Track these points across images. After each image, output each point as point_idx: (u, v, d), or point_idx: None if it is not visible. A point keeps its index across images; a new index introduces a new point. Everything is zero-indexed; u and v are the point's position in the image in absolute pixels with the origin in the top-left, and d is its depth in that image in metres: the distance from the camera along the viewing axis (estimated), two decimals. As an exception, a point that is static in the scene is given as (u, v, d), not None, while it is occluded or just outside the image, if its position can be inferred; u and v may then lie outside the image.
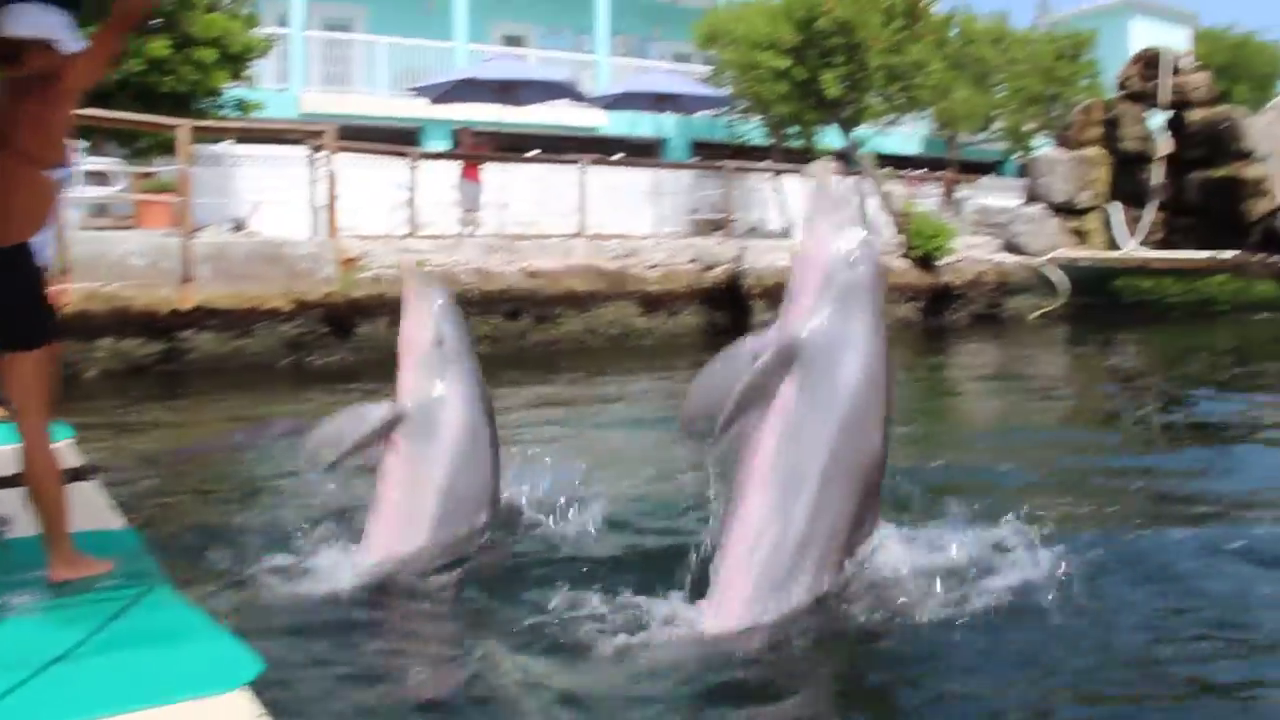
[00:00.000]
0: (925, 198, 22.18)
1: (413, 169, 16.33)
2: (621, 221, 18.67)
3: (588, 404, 10.52)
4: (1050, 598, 3.91)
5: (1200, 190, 21.04)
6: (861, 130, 20.58)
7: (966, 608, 3.84)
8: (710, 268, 16.15)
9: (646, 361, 13.46)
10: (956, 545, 4.23)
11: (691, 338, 15.57)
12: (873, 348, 3.99)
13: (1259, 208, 20.15)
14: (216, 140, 16.52)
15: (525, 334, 14.23)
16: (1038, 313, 18.80)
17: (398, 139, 21.85)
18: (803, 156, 23.31)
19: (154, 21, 13.67)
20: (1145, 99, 21.89)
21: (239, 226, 15.86)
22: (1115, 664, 3.69)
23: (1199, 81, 22.21)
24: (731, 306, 16.01)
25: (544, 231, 16.68)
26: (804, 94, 18.28)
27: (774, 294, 15.71)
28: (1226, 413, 9.48)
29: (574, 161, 18.11)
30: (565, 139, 25.71)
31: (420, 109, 22.56)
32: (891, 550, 4.08)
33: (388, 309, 12.65)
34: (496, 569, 4.65)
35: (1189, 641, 3.87)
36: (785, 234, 20.57)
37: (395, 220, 16.46)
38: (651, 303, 15.47)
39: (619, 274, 15.27)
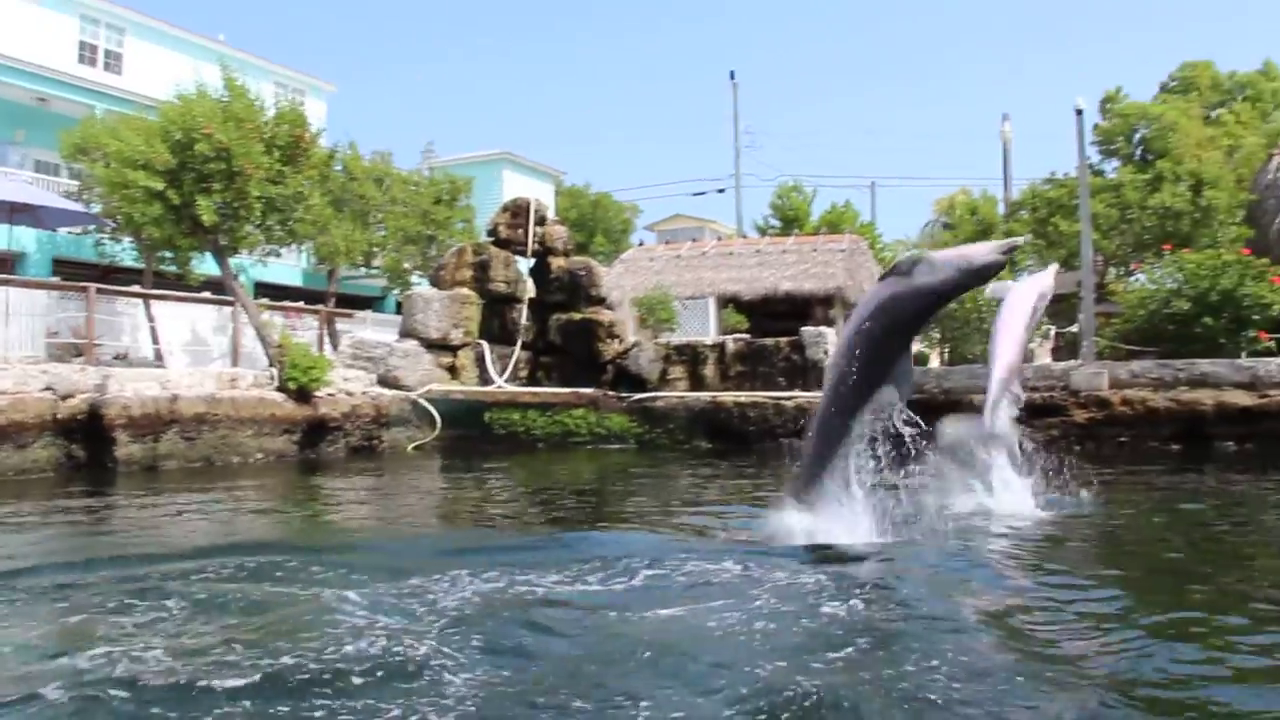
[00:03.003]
0: (304, 330, 22.14)
1: None
2: (-39, 343, 16.85)
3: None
4: None
5: (561, 332, 22.82)
6: (240, 259, 20.15)
7: None
8: (68, 396, 14.88)
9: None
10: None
11: (45, 473, 14.20)
12: None
13: (612, 349, 22.18)
14: None
15: None
16: (414, 444, 19.25)
17: None
18: (178, 282, 22.46)
19: None
20: (513, 245, 23.49)
21: None
22: None
23: (560, 233, 24.27)
24: (91, 439, 14.83)
25: None
26: (179, 218, 17.53)
27: (140, 425, 14.91)
28: (570, 509, 10.15)
29: (-98, 273, 16.17)
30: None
31: None
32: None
33: None
34: None
35: None
36: (157, 361, 19.58)
37: None
38: (-3, 433, 13.94)
39: (-44, 403, 13.66)
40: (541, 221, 23.90)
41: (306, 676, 4.24)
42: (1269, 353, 18.74)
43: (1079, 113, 20.01)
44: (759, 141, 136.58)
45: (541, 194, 37.71)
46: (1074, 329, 24.01)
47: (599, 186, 48.98)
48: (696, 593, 5.79)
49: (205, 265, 21.40)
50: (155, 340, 20.85)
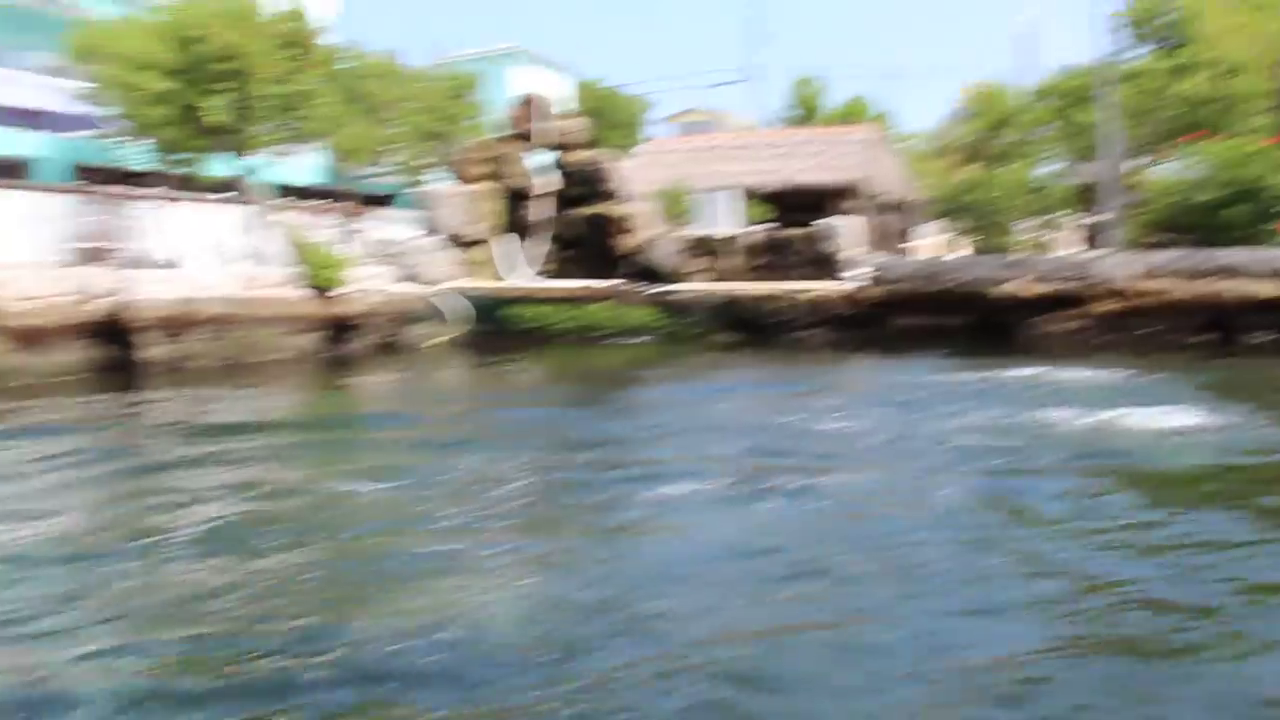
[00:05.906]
0: (323, 228, 22.04)
1: None
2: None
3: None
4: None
5: (579, 225, 22.71)
6: (254, 159, 19.98)
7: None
8: (91, 300, 14.94)
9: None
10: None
11: (73, 375, 14.31)
12: None
13: (628, 242, 22.07)
14: None
15: None
16: (434, 341, 19.30)
17: None
18: (194, 184, 22.31)
19: None
20: (527, 140, 23.26)
21: None
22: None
23: (575, 126, 24.00)
24: (115, 341, 14.93)
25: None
26: (188, 119, 17.34)
27: (163, 326, 14.98)
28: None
29: (-81, 179, 16.08)
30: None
31: None
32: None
33: None
34: None
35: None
36: (171, 264, 19.56)
37: None
38: (24, 338, 14.02)
39: (-17, 308, 13.71)
40: (556, 115, 23.64)
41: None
42: (1292, 244, 18.51)
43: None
44: (776, 32, 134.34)
45: (553, 88, 37.26)
46: (1098, 219, 23.78)
47: (611, 81, 48.41)
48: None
49: (217, 166, 21.25)
50: (175, 243, 20.78)
